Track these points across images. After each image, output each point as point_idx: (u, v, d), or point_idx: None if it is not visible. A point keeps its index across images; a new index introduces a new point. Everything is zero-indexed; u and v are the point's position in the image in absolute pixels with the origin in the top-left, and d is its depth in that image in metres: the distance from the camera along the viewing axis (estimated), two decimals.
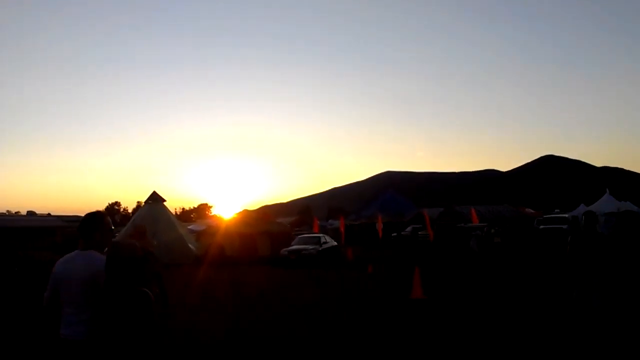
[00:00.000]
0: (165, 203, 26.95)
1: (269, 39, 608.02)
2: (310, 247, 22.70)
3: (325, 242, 23.61)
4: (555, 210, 41.73)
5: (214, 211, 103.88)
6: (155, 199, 26.50)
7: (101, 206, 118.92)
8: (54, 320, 3.36)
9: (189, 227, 33.34)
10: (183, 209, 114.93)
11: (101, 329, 3.07)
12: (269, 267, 20.96)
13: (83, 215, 3.47)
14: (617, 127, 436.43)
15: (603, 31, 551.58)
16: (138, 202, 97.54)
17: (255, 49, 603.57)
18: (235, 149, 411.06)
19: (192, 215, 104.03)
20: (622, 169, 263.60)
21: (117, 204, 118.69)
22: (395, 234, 34.77)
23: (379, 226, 31.47)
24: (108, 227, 3.46)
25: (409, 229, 36.51)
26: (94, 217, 3.44)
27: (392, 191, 48.08)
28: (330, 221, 54.49)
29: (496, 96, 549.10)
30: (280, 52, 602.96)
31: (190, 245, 24.49)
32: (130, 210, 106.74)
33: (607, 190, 39.00)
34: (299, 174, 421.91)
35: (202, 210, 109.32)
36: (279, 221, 34.84)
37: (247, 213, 31.16)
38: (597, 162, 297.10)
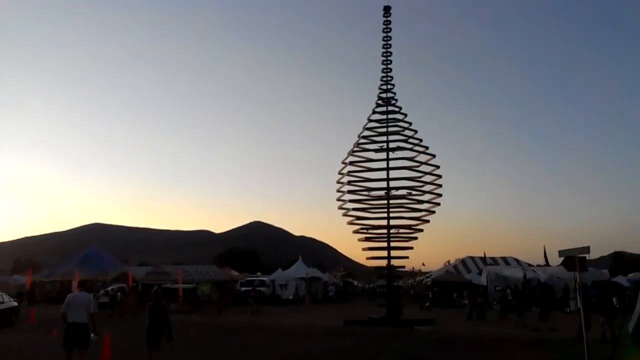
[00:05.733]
0: None
1: None
2: None
3: (2, 302, 19.73)
4: (258, 273, 45.64)
5: None
6: None
7: None
8: None
9: None
10: None
11: None
12: None
13: None
14: (314, 201, 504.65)
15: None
16: None
17: None
18: None
19: None
20: (314, 239, 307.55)
21: None
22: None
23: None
24: None
25: (113, 287, 33.93)
26: None
27: (96, 246, 44.43)
28: (15, 276, 46.73)
29: (216, 157, 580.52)
30: None
31: None
32: None
33: (300, 257, 45.26)
34: None
35: None
36: None
37: None
38: (296, 232, 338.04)
